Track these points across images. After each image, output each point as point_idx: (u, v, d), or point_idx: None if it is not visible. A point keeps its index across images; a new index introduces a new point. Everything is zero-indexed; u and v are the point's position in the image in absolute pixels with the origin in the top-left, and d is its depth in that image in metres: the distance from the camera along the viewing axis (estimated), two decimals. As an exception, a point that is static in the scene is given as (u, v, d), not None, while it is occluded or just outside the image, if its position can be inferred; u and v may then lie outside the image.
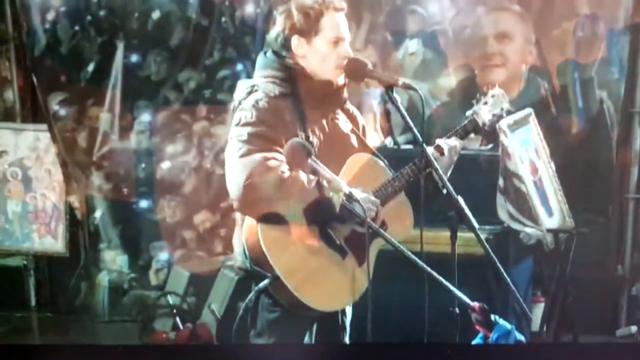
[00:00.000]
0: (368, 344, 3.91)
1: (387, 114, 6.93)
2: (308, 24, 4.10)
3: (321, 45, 4.11)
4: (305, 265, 3.96)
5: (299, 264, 3.95)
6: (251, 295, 3.99)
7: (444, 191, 4.05)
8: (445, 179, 4.12)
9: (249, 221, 3.99)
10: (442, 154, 4.19)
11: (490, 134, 6.02)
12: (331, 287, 4.00)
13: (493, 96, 4.35)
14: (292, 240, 3.96)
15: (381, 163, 4.24)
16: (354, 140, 4.24)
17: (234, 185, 3.93)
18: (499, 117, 4.37)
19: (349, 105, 4.30)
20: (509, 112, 4.39)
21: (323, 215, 3.96)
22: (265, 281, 3.92)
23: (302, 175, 3.91)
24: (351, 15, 7.18)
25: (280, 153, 3.95)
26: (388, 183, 4.15)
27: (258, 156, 3.91)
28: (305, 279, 3.94)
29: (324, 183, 3.91)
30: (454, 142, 4.24)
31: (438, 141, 4.23)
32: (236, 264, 4.21)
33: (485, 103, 4.32)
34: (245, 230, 4.00)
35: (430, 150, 4.18)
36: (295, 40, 4.11)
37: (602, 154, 7.13)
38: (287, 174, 3.91)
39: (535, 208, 5.72)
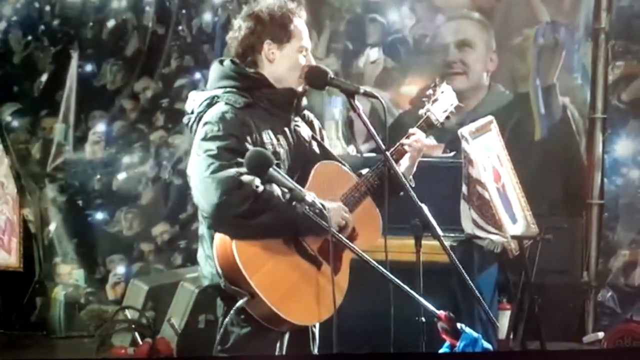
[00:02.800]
0: (334, 355, 3.84)
1: (349, 123, 6.91)
2: (281, 29, 4.06)
3: (291, 52, 4.08)
4: (285, 280, 3.90)
5: (279, 280, 3.89)
6: (230, 313, 3.90)
7: (402, 193, 4.02)
8: (408, 184, 4.08)
9: (221, 238, 3.90)
10: (404, 153, 4.17)
11: (453, 142, 6.03)
12: (311, 300, 3.94)
13: (442, 92, 4.34)
14: (268, 256, 3.89)
15: (346, 168, 4.19)
16: (315, 147, 4.20)
17: (208, 203, 3.85)
18: (450, 113, 4.35)
19: (305, 111, 4.26)
20: (457, 108, 4.37)
21: (300, 228, 3.90)
22: (243, 300, 3.83)
23: (276, 189, 3.84)
24: (312, 23, 7.25)
25: (252, 166, 3.90)
26: (355, 188, 4.11)
27: (231, 171, 3.83)
28: (286, 295, 3.88)
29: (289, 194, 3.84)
30: (420, 133, 4.21)
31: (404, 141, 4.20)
32: (203, 282, 4.12)
33: (436, 100, 4.31)
34: (217, 248, 3.91)
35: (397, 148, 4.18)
36: (267, 45, 4.05)
37: (568, 159, 7.16)
38: (261, 188, 3.84)
39: (499, 215, 5.71)
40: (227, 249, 3.85)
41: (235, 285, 3.85)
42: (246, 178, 3.81)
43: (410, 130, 4.23)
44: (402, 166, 4.21)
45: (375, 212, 4.16)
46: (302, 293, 3.92)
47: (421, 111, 4.31)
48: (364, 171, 4.23)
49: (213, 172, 3.84)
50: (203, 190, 3.87)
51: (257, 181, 3.83)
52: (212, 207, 3.83)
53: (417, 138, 4.20)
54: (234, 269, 3.83)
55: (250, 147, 3.89)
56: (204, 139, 3.93)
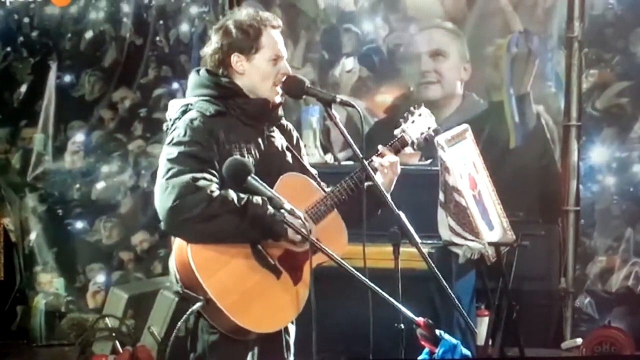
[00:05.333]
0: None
1: (327, 131, 6.94)
2: (248, 41, 4.05)
3: (261, 62, 4.07)
4: (239, 286, 3.87)
5: (232, 285, 3.85)
6: (184, 317, 3.89)
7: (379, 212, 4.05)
8: (387, 194, 4.12)
9: (179, 243, 3.90)
10: (375, 172, 4.18)
11: (429, 150, 6.07)
12: (266, 308, 3.91)
13: (420, 115, 4.34)
14: (224, 261, 3.86)
15: (313, 182, 4.20)
16: (289, 157, 4.20)
17: (162, 206, 3.84)
18: (427, 136, 4.36)
19: (283, 120, 4.28)
20: (435, 131, 4.39)
21: (256, 235, 3.89)
22: (198, 304, 3.81)
23: (232, 194, 3.85)
24: (289, 33, 7.30)
25: (211, 173, 3.89)
26: (320, 201, 4.10)
27: (186, 177, 3.82)
28: (239, 300, 3.85)
29: (258, 200, 3.85)
30: (393, 157, 4.23)
31: (376, 159, 4.21)
32: (173, 287, 4.11)
33: (413, 122, 4.32)
34: (175, 252, 3.90)
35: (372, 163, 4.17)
36: (235, 58, 4.07)
37: (543, 167, 7.20)
38: (216, 193, 3.84)
39: (476, 222, 5.73)
40: (183, 252, 3.84)
41: (190, 290, 3.83)
42: (202, 183, 3.81)
43: (381, 150, 4.22)
44: (379, 181, 4.18)
45: (341, 225, 4.15)
46: (258, 300, 3.88)
47: (396, 131, 4.29)
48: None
49: (170, 177, 3.84)
50: (158, 194, 3.86)
51: (214, 186, 3.84)
52: (165, 211, 3.82)
53: (388, 161, 4.19)
54: (188, 272, 3.82)
55: (215, 155, 3.90)
56: (169, 143, 3.95)
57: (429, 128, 4.35)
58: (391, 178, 4.21)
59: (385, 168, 4.18)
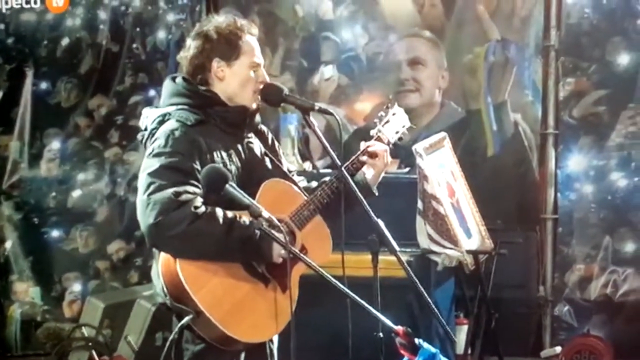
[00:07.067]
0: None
1: (305, 139, 6.94)
2: (228, 47, 4.04)
3: (242, 69, 4.06)
4: (229, 297, 3.84)
5: (223, 297, 3.82)
6: (174, 332, 3.87)
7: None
8: (374, 187, 4.17)
9: (165, 256, 3.85)
10: (375, 157, 4.19)
11: (407, 157, 6.07)
12: (257, 317, 3.89)
13: (394, 114, 4.36)
14: (213, 272, 3.83)
15: (294, 187, 4.19)
16: (268, 162, 4.19)
17: (145, 223, 3.79)
18: (402, 135, 4.37)
19: (260, 126, 4.27)
20: (409, 129, 4.41)
21: (241, 255, 3.86)
22: (188, 317, 3.77)
23: (219, 212, 3.81)
24: (267, 41, 7.30)
25: (193, 185, 3.85)
26: (303, 206, 4.09)
27: (168, 192, 3.77)
28: (231, 312, 3.82)
29: (246, 221, 3.82)
30: (383, 146, 4.24)
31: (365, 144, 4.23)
32: (157, 299, 4.06)
33: (388, 122, 4.33)
34: (162, 266, 3.85)
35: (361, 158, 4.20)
36: (215, 63, 4.05)
37: (521, 175, 7.22)
38: (201, 209, 3.79)
39: (454, 230, 5.74)
40: (171, 265, 3.80)
41: (180, 303, 3.80)
42: (184, 197, 3.77)
43: (365, 144, 4.24)
44: (368, 175, 4.23)
45: (325, 230, 4.14)
46: (249, 310, 3.87)
47: (372, 132, 4.31)
48: (315, 184, 4.26)
49: (151, 192, 3.79)
50: (140, 210, 3.82)
51: (198, 201, 3.80)
52: (148, 228, 3.78)
53: (379, 149, 4.21)
54: (178, 286, 3.78)
55: (197, 165, 3.86)
56: (149, 155, 3.91)
57: (403, 126, 4.38)
58: (380, 168, 4.24)
59: (376, 157, 4.19)
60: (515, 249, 6.28)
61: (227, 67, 4.06)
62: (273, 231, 3.79)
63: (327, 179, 4.19)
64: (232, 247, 3.81)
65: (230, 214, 3.82)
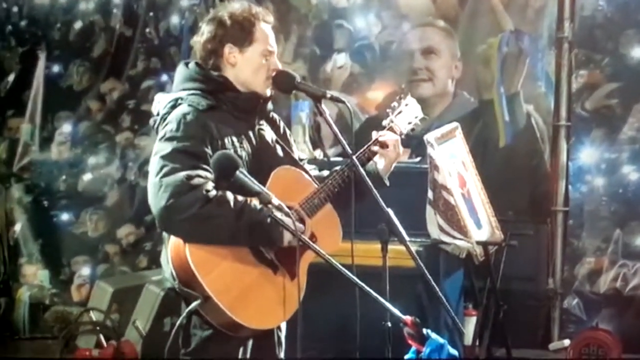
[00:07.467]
0: (298, 360, 3.83)
1: (317, 127, 6.93)
2: (242, 33, 4.04)
3: (254, 55, 4.06)
4: (238, 283, 3.84)
5: (231, 283, 3.82)
6: (182, 316, 3.88)
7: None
8: (385, 176, 4.18)
9: (175, 241, 3.86)
10: (386, 147, 4.18)
11: (418, 147, 6.06)
12: (265, 304, 3.89)
13: (407, 105, 4.35)
14: (222, 258, 3.83)
15: (305, 175, 4.18)
16: (279, 150, 4.18)
17: (156, 205, 3.81)
18: (415, 125, 4.37)
19: (272, 113, 4.26)
20: (422, 120, 4.40)
21: (251, 239, 3.86)
22: (196, 302, 3.78)
23: (229, 196, 3.82)
24: (280, 28, 7.28)
25: (205, 169, 3.86)
26: (314, 194, 4.09)
27: (180, 175, 3.78)
28: (239, 297, 3.82)
29: (256, 205, 3.82)
30: (395, 136, 4.24)
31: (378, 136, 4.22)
32: (166, 284, 4.08)
33: (400, 112, 4.32)
34: (171, 250, 3.86)
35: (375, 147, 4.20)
36: (227, 49, 4.05)
37: (533, 166, 7.20)
38: (212, 192, 3.79)
39: (464, 220, 5.72)
40: (180, 250, 3.81)
41: (188, 288, 3.80)
42: (196, 181, 3.78)
43: (377, 134, 4.22)
44: (379, 165, 4.22)
45: (335, 218, 4.14)
46: (256, 296, 3.87)
47: (385, 122, 4.30)
48: (326, 173, 4.25)
49: (163, 175, 3.80)
50: (152, 193, 3.83)
51: (209, 185, 3.80)
52: (159, 210, 3.79)
53: (392, 139, 4.20)
54: (186, 270, 3.78)
55: (209, 150, 3.86)
56: (161, 139, 3.91)
57: (415, 117, 4.37)
58: (392, 158, 4.23)
59: (387, 147, 4.18)
60: (526, 240, 6.26)
61: (239, 53, 4.06)
62: (283, 218, 3.78)
63: (338, 167, 4.18)
64: (243, 231, 3.81)
65: (241, 198, 3.82)
